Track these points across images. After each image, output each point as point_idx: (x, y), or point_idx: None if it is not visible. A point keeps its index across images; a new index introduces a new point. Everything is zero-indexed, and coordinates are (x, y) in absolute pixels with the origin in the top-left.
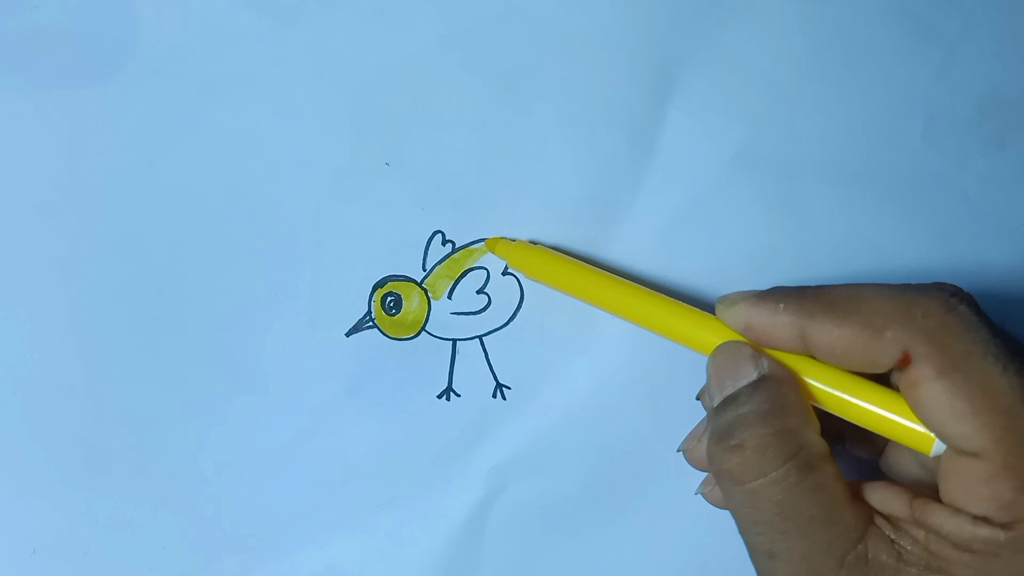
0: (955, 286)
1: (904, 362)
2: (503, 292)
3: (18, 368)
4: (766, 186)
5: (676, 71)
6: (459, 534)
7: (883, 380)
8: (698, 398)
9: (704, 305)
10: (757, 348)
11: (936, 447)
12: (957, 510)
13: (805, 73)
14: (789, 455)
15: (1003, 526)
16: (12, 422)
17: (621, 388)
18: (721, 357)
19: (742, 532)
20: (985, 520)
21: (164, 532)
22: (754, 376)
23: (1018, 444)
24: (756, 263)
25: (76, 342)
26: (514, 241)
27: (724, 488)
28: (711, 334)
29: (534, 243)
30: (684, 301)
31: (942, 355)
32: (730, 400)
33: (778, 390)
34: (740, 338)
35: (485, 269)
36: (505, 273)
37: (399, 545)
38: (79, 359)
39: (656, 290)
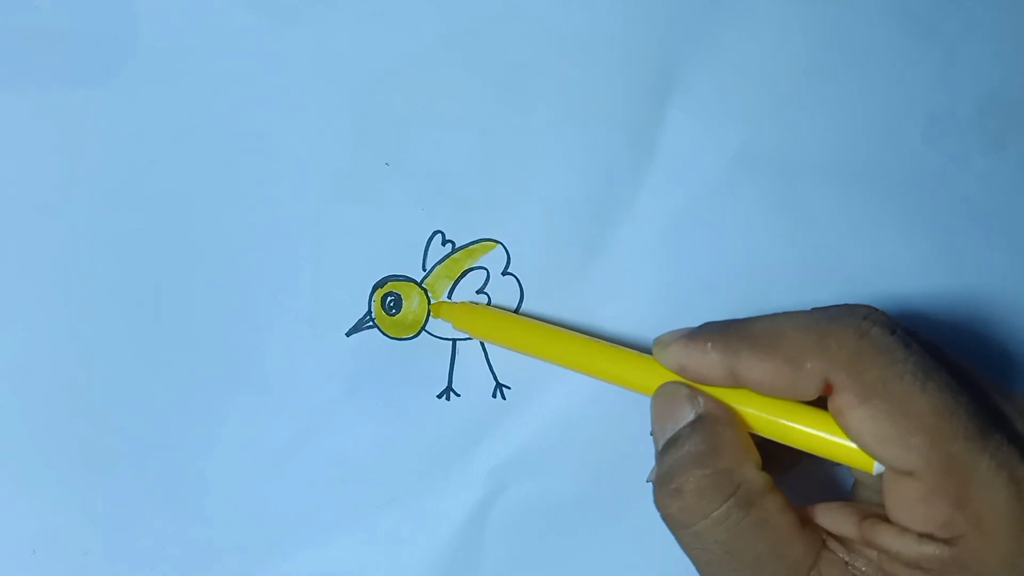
0: (868, 307)
1: (827, 391)
2: (503, 292)
3: (18, 368)
4: (766, 186)
5: (676, 71)
6: (459, 534)
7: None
8: (652, 435)
9: (705, 306)
10: (694, 387)
11: (877, 467)
12: (904, 529)
13: (805, 73)
14: (727, 494)
15: (946, 542)
16: (12, 422)
17: (621, 388)
18: (660, 399)
19: (698, 572)
20: (930, 537)
21: (164, 532)
22: (691, 417)
23: (946, 462)
24: (756, 263)
25: (76, 342)
26: (457, 303)
27: (672, 532)
28: (654, 376)
29: (475, 304)
30: (684, 302)
31: (860, 382)
32: (671, 443)
33: (714, 429)
34: (678, 378)
35: (485, 269)
36: (505, 273)
37: (399, 545)
38: (79, 359)
39: (606, 337)
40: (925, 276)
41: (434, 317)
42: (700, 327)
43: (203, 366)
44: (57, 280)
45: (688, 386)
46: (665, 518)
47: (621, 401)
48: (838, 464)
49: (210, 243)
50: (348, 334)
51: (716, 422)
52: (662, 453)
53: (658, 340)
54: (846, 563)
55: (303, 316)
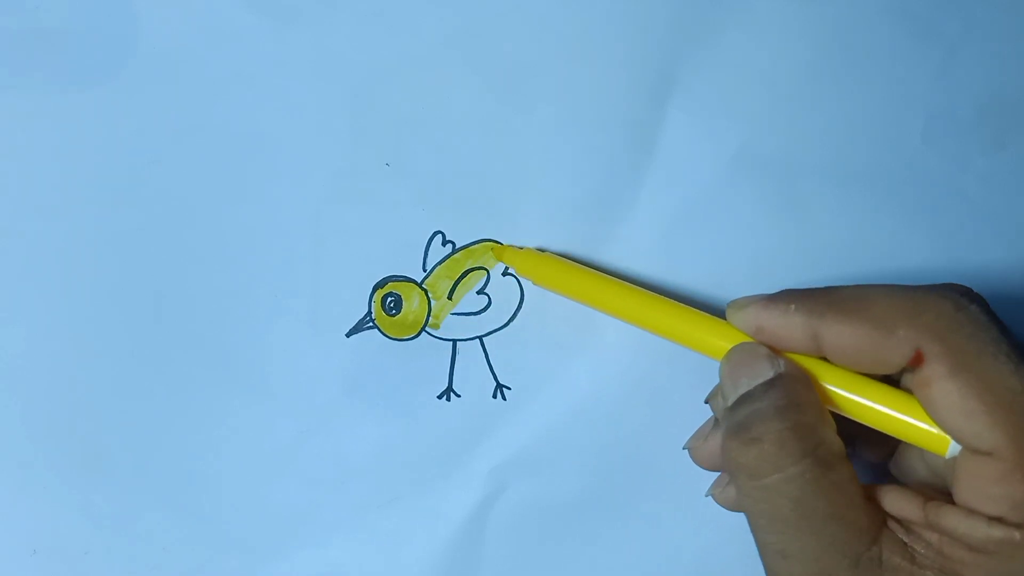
0: (965, 287)
1: (916, 361)
2: (503, 292)
3: (18, 368)
4: (766, 186)
5: (676, 71)
6: (459, 534)
7: (894, 385)
8: (707, 401)
9: (706, 306)
10: (772, 349)
11: (951, 449)
12: (971, 511)
13: (805, 73)
14: (807, 451)
15: (1017, 526)
16: (12, 422)
17: (622, 388)
18: (736, 358)
19: (754, 530)
20: (1000, 520)
21: (164, 532)
22: (770, 375)
23: None
24: (756, 263)
25: (76, 342)
26: (521, 248)
27: (739, 484)
28: (722, 338)
29: (541, 250)
30: (686, 302)
31: (953, 354)
32: (746, 397)
33: (794, 387)
34: (751, 341)
35: (485, 269)
36: (505, 274)
37: (399, 545)
38: (79, 359)
39: (662, 293)
40: (925, 276)
41: (498, 259)
42: (780, 291)
43: (203, 366)
44: (57, 280)
45: (767, 347)
46: (735, 468)
47: (622, 402)
48: (889, 452)
49: (210, 243)
50: (348, 334)
51: (796, 381)
52: (735, 405)
53: (733, 302)
54: (905, 544)
55: (303, 316)
